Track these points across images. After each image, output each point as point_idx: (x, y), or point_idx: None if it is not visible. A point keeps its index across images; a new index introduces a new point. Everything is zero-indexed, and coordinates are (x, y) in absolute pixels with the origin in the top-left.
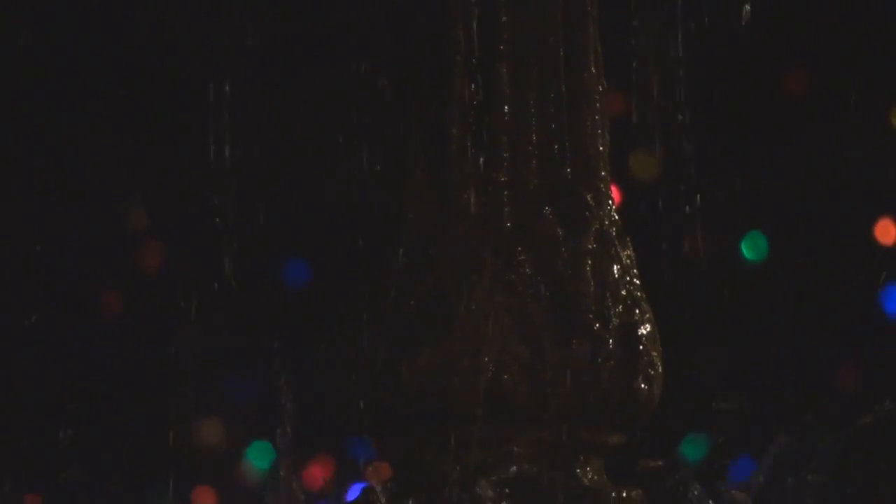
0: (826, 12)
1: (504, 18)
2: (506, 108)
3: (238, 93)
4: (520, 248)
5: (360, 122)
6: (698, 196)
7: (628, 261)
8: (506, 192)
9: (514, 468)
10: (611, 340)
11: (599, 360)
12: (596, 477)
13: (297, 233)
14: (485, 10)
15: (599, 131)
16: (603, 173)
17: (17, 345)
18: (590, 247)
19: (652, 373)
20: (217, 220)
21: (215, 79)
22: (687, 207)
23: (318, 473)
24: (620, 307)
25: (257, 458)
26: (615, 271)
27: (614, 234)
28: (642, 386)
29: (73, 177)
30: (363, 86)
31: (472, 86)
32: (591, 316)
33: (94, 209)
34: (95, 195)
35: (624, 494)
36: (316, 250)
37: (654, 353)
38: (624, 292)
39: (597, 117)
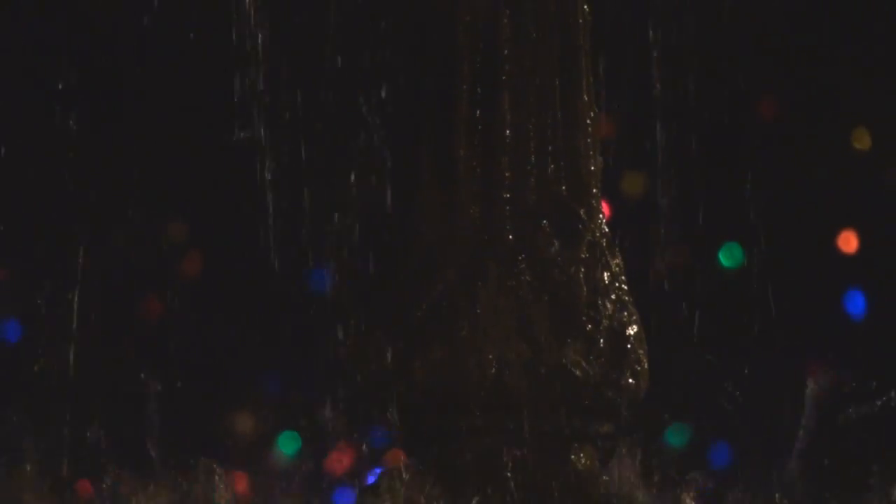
0: (797, 50)
1: (505, 52)
2: (507, 132)
3: (269, 116)
4: (520, 258)
5: (377, 144)
6: (682, 211)
7: (617, 268)
8: (507, 208)
9: (515, 452)
10: (601, 340)
11: (591, 357)
12: (588, 462)
13: (323, 243)
14: (488, 44)
15: (591, 153)
16: (594, 190)
17: (69, 340)
18: (583, 256)
19: (639, 369)
20: (257, 232)
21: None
22: (672, 221)
23: (340, 460)
24: (610, 310)
25: (286, 446)
26: (605, 278)
27: (605, 244)
28: (630, 381)
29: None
30: (381, 112)
31: (477, 112)
32: (583, 318)
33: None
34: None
35: (606, 479)
36: (340, 259)
37: (641, 351)
38: (613, 297)
39: (589, 140)
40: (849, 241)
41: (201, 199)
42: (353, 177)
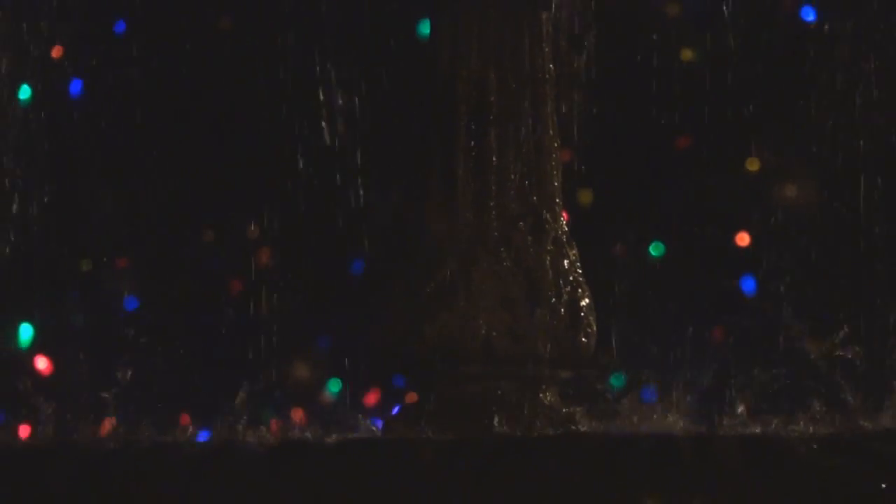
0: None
1: (492, 98)
2: (493, 158)
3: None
4: (502, 250)
5: (395, 163)
6: (619, 214)
7: (574, 257)
8: (493, 212)
9: (499, 392)
10: (562, 310)
11: (555, 322)
12: (553, 399)
13: (356, 236)
14: (480, 92)
15: (554, 173)
16: (557, 200)
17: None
18: (549, 248)
19: (589, 331)
20: (316, 231)
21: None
22: (612, 222)
23: (372, 398)
24: (569, 288)
25: (332, 388)
26: (565, 264)
27: (564, 240)
28: (583, 339)
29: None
30: (401, 140)
31: (472, 142)
32: (549, 293)
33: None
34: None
35: (566, 410)
36: (370, 248)
37: (591, 318)
38: (571, 278)
39: (553, 163)
40: (743, 239)
41: (274, 204)
42: (381, 189)
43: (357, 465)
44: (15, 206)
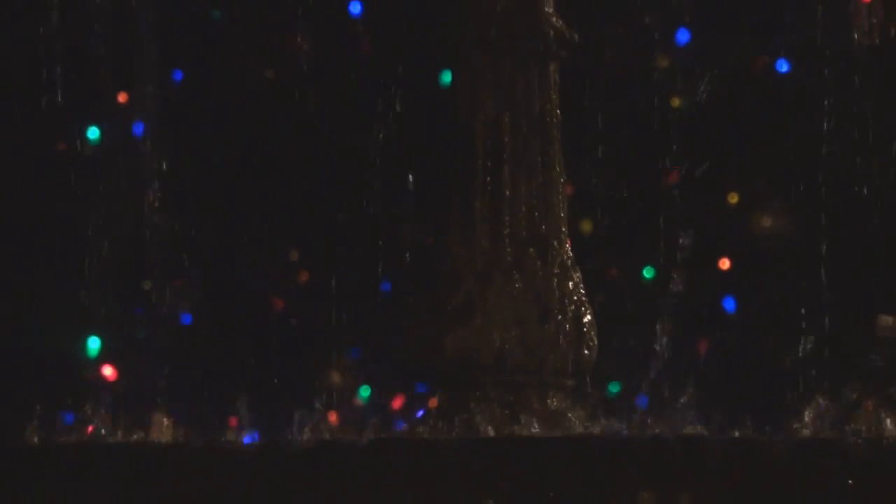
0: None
1: (506, 139)
2: (507, 191)
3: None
4: (515, 272)
5: (421, 197)
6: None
7: (577, 279)
8: (507, 240)
9: (512, 398)
10: (567, 326)
11: (561, 337)
12: (559, 404)
13: (386, 261)
14: (496, 134)
15: (561, 205)
16: (563, 229)
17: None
18: (556, 271)
19: (591, 344)
20: (352, 253)
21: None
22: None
23: (398, 403)
24: (573, 306)
25: (363, 394)
26: (570, 286)
27: (570, 264)
28: (585, 352)
29: None
30: (424, 177)
31: (488, 178)
32: (556, 311)
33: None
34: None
35: (573, 413)
36: (398, 271)
37: (592, 333)
38: (575, 297)
39: (559, 197)
40: (724, 263)
41: (315, 233)
42: (408, 219)
43: (385, 462)
44: (88, 238)
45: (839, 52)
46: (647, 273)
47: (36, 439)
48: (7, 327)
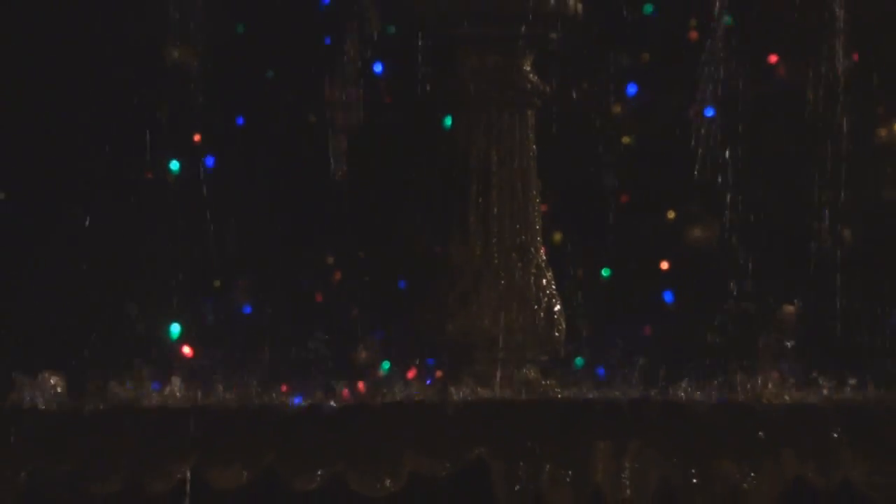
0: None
1: (494, 167)
2: (495, 209)
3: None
4: (501, 272)
5: (430, 213)
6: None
7: (549, 277)
8: (495, 248)
9: (498, 371)
10: (542, 314)
11: (536, 322)
12: (535, 375)
13: (403, 263)
14: (485, 163)
15: (537, 220)
16: (538, 238)
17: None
18: (533, 272)
19: (560, 328)
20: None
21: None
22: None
23: (411, 374)
24: (546, 299)
25: (385, 368)
26: (544, 282)
27: (543, 266)
28: (556, 334)
29: None
30: (432, 199)
31: (481, 200)
32: (533, 303)
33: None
34: None
35: (546, 381)
36: (412, 271)
37: (562, 320)
38: (548, 292)
39: (535, 213)
40: (664, 265)
41: (348, 241)
42: (419, 231)
43: (401, 419)
44: (173, 248)
45: (755, 99)
46: (605, 272)
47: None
48: (109, 316)
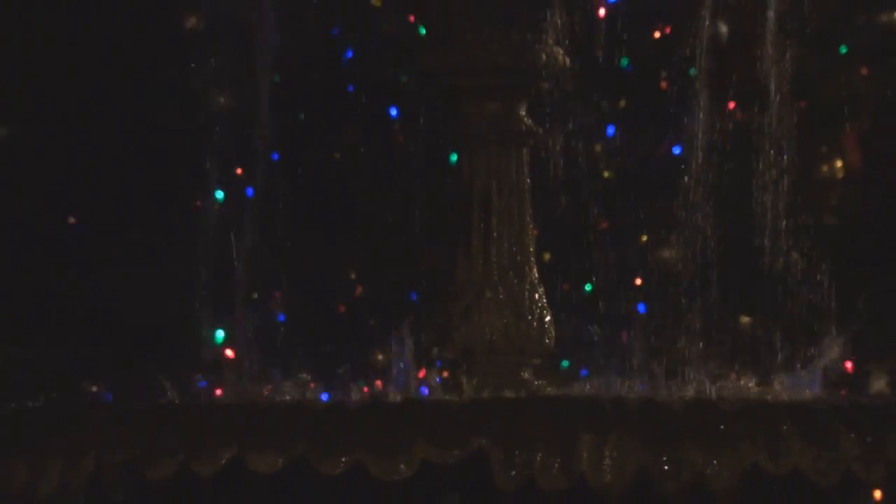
0: None
1: (493, 200)
2: (494, 234)
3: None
4: (500, 288)
5: (437, 236)
6: (567, 268)
7: (541, 292)
8: (495, 266)
9: (496, 371)
10: (535, 323)
11: (529, 331)
12: (528, 376)
13: (415, 278)
14: (486, 196)
15: (530, 242)
16: (532, 259)
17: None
18: (527, 287)
19: (550, 336)
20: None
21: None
22: (563, 272)
23: (422, 374)
24: (538, 310)
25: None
26: (536, 296)
27: (536, 282)
28: (546, 341)
29: None
30: (439, 223)
31: (482, 226)
32: (526, 313)
33: None
34: None
35: (538, 382)
36: (423, 285)
37: (552, 329)
38: (539, 304)
39: (529, 237)
40: (637, 281)
41: (367, 258)
42: (429, 250)
43: (413, 413)
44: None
45: (716, 138)
46: (587, 287)
47: (177, 398)
48: (163, 325)
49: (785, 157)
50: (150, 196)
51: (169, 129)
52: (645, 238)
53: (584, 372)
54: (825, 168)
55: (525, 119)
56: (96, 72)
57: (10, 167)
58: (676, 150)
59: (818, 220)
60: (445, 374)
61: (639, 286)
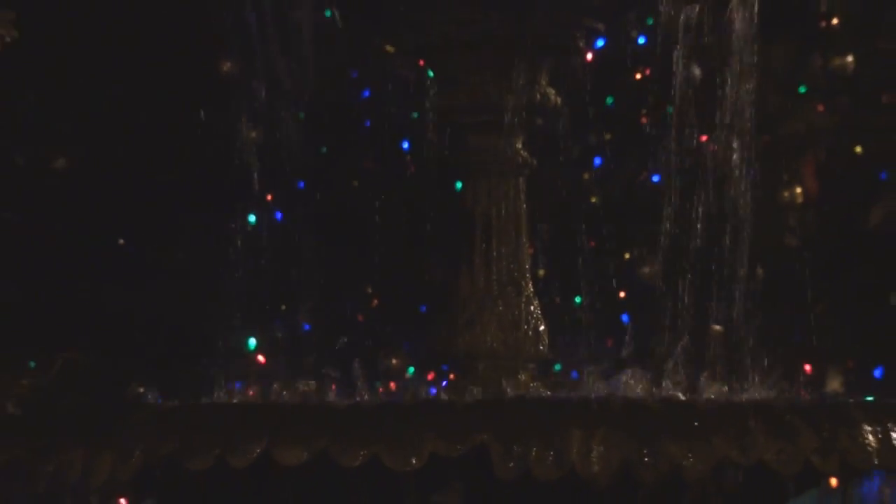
0: None
1: (493, 225)
2: (494, 252)
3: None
4: (499, 301)
5: (445, 255)
6: (559, 282)
7: (536, 304)
8: (495, 282)
9: (496, 375)
10: (530, 332)
11: (526, 339)
12: (525, 379)
13: (424, 292)
14: (487, 222)
15: (526, 259)
16: (527, 275)
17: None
18: (523, 300)
19: (544, 343)
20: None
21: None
22: (556, 286)
23: (431, 377)
24: (533, 320)
25: (411, 372)
26: (531, 308)
27: (531, 295)
28: (540, 347)
29: None
30: (447, 244)
31: (483, 245)
32: (523, 323)
33: None
34: None
35: (533, 384)
36: (432, 298)
37: (545, 336)
38: (535, 315)
39: (525, 254)
40: (621, 294)
41: (382, 275)
42: (437, 267)
43: (423, 412)
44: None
45: (690, 168)
46: (577, 300)
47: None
48: (202, 334)
49: (750, 183)
50: (190, 220)
51: (207, 161)
52: (628, 255)
53: (573, 374)
54: (786, 194)
55: (521, 151)
56: (145, 110)
57: (68, 195)
58: (655, 178)
59: (779, 240)
60: (451, 376)
61: (622, 298)
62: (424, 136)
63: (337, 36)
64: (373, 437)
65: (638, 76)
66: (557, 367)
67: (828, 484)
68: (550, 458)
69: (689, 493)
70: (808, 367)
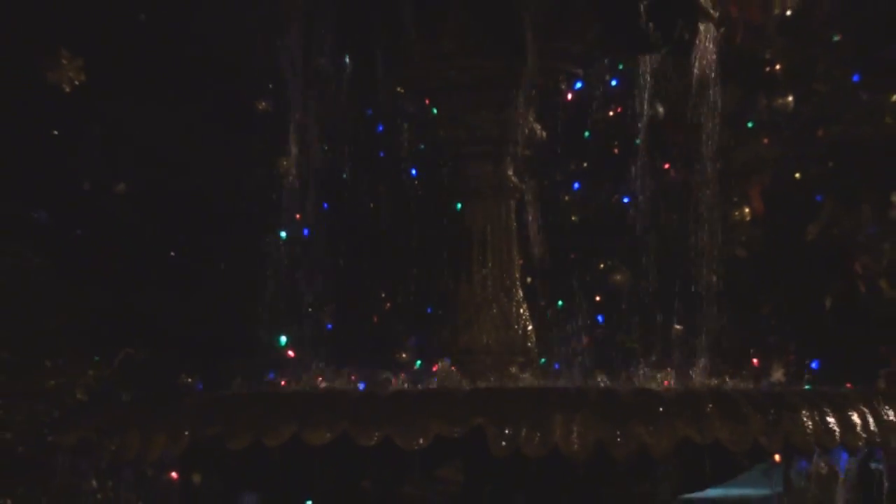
0: None
1: (488, 241)
2: (489, 263)
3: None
4: (493, 305)
5: (447, 268)
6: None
7: (525, 308)
8: (490, 288)
9: (492, 367)
10: (520, 332)
11: (516, 336)
12: (515, 371)
13: (430, 298)
14: (482, 239)
15: (516, 269)
16: (517, 282)
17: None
18: (514, 304)
19: (532, 340)
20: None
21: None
22: (544, 292)
23: (435, 369)
24: (523, 321)
25: (418, 365)
26: (521, 311)
27: (521, 300)
28: (528, 344)
29: None
30: (448, 258)
31: (480, 257)
32: (513, 323)
33: None
34: None
35: (523, 375)
36: (437, 303)
37: (532, 335)
38: (524, 317)
39: (516, 266)
40: (598, 298)
41: (395, 284)
42: (441, 278)
43: (429, 399)
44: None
45: (658, 191)
46: (560, 304)
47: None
48: (240, 333)
49: (706, 204)
50: (230, 236)
51: (243, 185)
52: (602, 265)
53: (556, 366)
54: (736, 213)
55: (512, 177)
56: (190, 143)
57: (127, 218)
58: (625, 200)
59: (732, 251)
60: (453, 368)
61: (598, 302)
62: (429, 165)
63: (354, 79)
64: (386, 421)
65: (611, 113)
66: (542, 360)
67: (773, 460)
68: (537, 439)
69: (657, 468)
70: (755, 360)
